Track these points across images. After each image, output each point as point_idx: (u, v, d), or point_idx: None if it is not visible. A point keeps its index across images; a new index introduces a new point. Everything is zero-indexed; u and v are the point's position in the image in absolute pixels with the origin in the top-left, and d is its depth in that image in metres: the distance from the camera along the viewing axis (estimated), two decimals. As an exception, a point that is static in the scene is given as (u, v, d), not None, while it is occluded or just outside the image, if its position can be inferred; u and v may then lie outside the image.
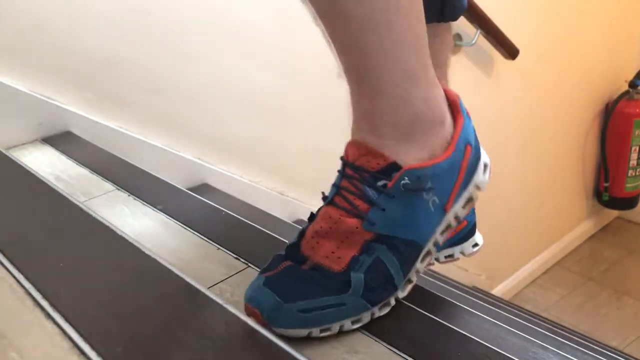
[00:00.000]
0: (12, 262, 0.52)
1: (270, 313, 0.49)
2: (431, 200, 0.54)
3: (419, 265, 0.56)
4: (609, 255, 2.72)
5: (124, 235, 0.57)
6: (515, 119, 2.17)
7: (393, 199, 0.52)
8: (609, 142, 2.64)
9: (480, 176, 0.59)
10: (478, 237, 0.71)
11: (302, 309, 0.49)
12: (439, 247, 0.60)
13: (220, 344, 0.43)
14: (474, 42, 1.77)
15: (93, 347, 0.41)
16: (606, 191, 2.73)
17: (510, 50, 1.87)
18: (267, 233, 0.69)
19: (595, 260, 2.69)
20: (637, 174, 2.66)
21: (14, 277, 0.50)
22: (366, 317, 0.53)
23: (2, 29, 0.97)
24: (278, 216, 1.25)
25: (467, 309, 0.80)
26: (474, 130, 0.59)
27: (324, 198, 0.55)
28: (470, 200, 0.58)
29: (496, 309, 1.15)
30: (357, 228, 0.52)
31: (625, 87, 2.55)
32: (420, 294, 0.84)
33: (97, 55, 1.07)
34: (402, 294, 0.56)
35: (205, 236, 0.66)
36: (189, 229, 0.68)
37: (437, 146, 0.54)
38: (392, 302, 0.55)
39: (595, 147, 2.71)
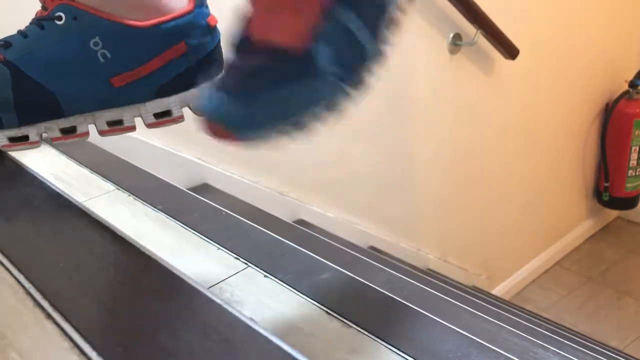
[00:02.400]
0: (12, 262, 0.52)
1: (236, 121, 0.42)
2: None
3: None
4: (609, 255, 2.72)
5: (123, 236, 0.57)
6: (515, 119, 2.17)
7: None
8: (609, 142, 2.64)
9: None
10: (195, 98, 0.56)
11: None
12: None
13: (220, 344, 0.43)
14: (474, 42, 1.77)
15: (93, 347, 0.41)
16: (606, 191, 2.73)
17: (510, 50, 1.87)
18: (267, 233, 0.69)
19: (595, 260, 2.69)
20: (637, 174, 2.66)
21: (14, 277, 0.50)
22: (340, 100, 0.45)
23: (2, 29, 0.97)
24: (278, 216, 1.25)
25: (467, 309, 0.80)
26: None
27: None
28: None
29: (496, 309, 1.15)
30: None
31: (625, 87, 2.55)
32: (420, 294, 0.84)
33: (97, 55, 1.07)
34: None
35: (205, 236, 0.66)
36: (189, 229, 0.68)
37: None
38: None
39: (595, 147, 2.71)
